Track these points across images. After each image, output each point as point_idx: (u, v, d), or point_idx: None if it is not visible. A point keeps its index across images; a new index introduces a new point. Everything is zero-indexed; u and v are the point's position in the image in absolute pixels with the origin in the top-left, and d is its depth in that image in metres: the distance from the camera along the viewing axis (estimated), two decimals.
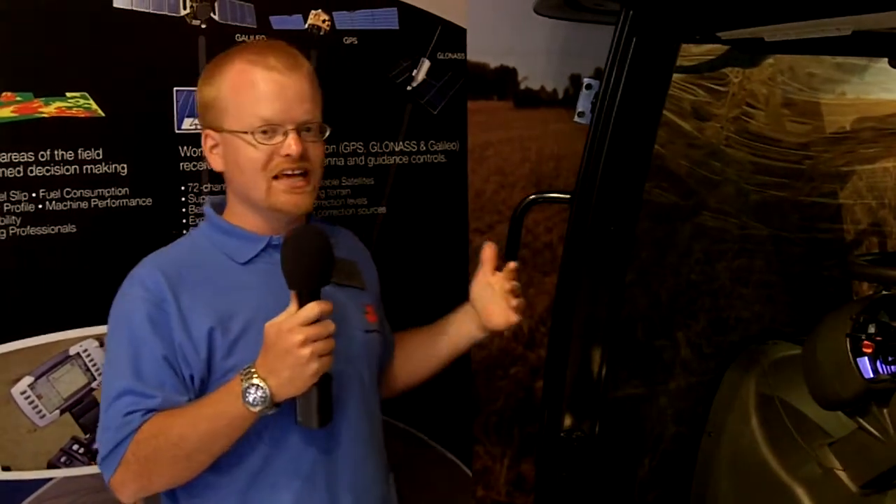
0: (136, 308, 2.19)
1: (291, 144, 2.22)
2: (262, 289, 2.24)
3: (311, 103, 2.29)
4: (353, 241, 2.66)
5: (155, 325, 2.17)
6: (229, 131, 2.26)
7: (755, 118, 3.97)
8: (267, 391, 2.06)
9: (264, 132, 2.22)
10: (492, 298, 2.54)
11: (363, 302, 2.51)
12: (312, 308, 2.05)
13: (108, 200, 2.64)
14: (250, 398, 2.06)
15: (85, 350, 2.66)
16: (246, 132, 2.23)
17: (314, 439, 2.28)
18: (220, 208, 2.42)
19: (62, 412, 2.66)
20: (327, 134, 2.35)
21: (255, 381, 2.06)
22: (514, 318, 2.53)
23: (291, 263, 2.10)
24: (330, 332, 2.09)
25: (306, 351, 2.04)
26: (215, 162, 2.34)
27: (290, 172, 2.25)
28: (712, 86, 3.84)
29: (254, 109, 2.23)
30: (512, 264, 2.55)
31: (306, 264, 2.10)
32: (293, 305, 2.08)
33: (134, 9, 2.63)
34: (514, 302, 2.51)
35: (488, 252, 2.56)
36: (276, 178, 2.25)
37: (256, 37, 2.78)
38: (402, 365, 2.72)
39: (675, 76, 3.73)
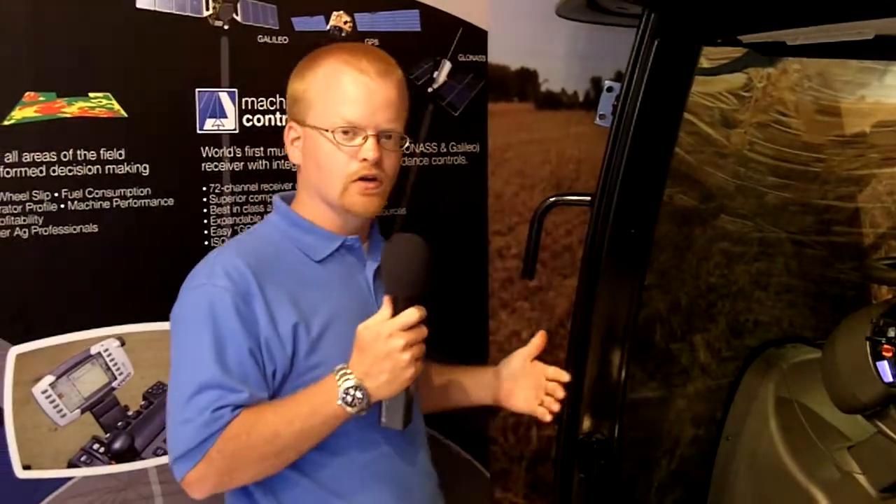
0: (220, 299, 2.17)
1: (369, 150, 2.24)
2: (338, 289, 2.28)
3: (396, 112, 2.31)
4: None
5: (242, 318, 2.16)
6: (312, 126, 2.28)
7: (779, 123, 3.96)
8: (365, 392, 2.10)
9: (345, 133, 2.25)
10: (525, 383, 2.63)
11: None
12: (413, 313, 2.11)
13: (130, 200, 2.65)
14: (349, 398, 2.09)
15: (106, 349, 2.67)
16: (327, 130, 2.24)
17: (389, 439, 2.33)
18: (287, 202, 2.42)
19: (83, 411, 2.66)
20: (406, 145, 2.39)
21: (353, 381, 2.10)
22: (536, 410, 2.62)
23: (397, 269, 2.15)
24: (424, 336, 2.14)
25: (406, 355, 2.10)
26: (294, 155, 2.36)
27: (364, 176, 2.26)
28: (739, 93, 3.83)
29: (339, 109, 2.25)
30: (563, 375, 2.64)
31: (411, 272, 2.14)
32: (387, 310, 2.12)
33: (157, 10, 2.64)
34: (546, 400, 2.61)
35: (540, 340, 2.65)
36: (352, 180, 2.26)
37: (279, 38, 2.79)
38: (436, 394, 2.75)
39: (707, 88, 3.73)
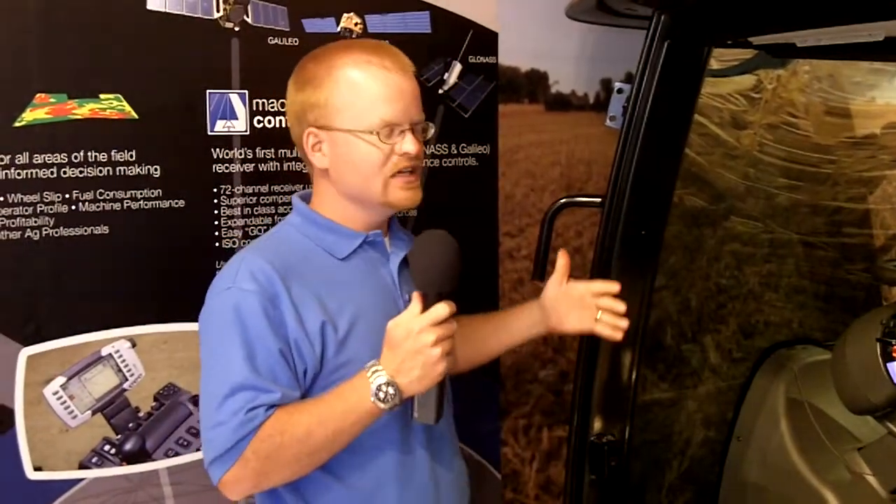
0: (247, 302, 2.16)
1: (409, 144, 2.25)
2: (362, 285, 2.28)
3: (420, 102, 2.33)
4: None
5: (270, 320, 2.15)
6: (344, 130, 2.25)
7: (789, 124, 3.96)
8: (397, 388, 2.10)
9: (385, 131, 2.24)
10: (569, 304, 2.64)
11: None
12: (443, 308, 2.10)
13: (141, 202, 2.66)
14: (381, 395, 2.09)
15: (117, 351, 2.67)
16: (364, 131, 2.24)
17: (421, 442, 2.34)
18: (307, 202, 2.41)
19: (94, 413, 2.67)
20: (431, 132, 2.39)
21: (385, 378, 2.10)
22: (594, 327, 2.62)
23: (427, 265, 2.14)
24: (454, 331, 2.13)
25: (437, 351, 2.09)
26: (319, 160, 2.32)
27: (405, 169, 2.27)
28: (750, 94, 3.83)
29: (374, 109, 2.23)
30: (614, 287, 2.63)
31: (437, 267, 2.13)
32: (417, 306, 2.11)
33: (167, 11, 2.65)
34: (605, 318, 2.61)
35: (564, 260, 2.65)
36: (391, 175, 2.27)
37: (289, 40, 2.79)
38: (472, 352, 2.77)
39: (717, 89, 3.73)
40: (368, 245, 2.35)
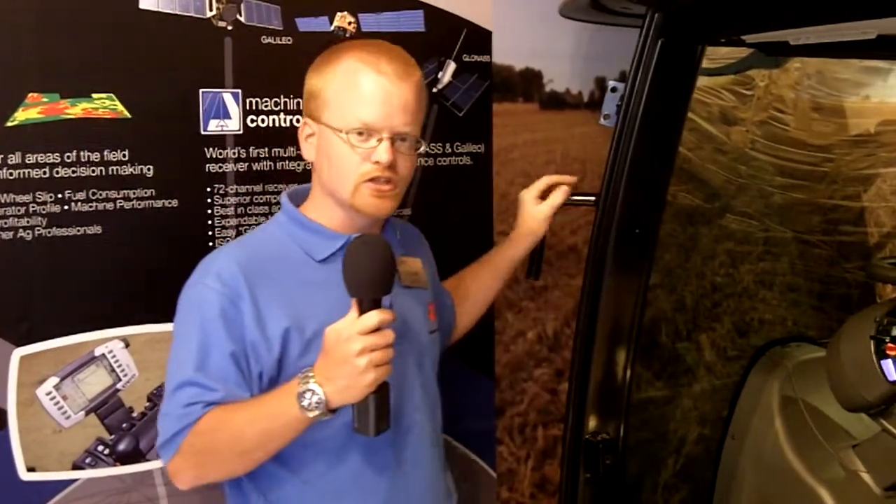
0: (209, 300, 2.16)
1: (383, 153, 2.20)
2: (340, 288, 2.13)
3: (412, 116, 2.26)
4: (416, 235, 2.68)
5: (227, 321, 2.15)
6: (327, 125, 2.24)
7: (780, 121, 3.96)
8: (322, 397, 2.02)
9: (360, 134, 2.20)
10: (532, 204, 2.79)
11: (427, 301, 2.52)
12: (371, 317, 2.02)
13: (134, 202, 2.65)
14: (305, 402, 2.02)
15: (110, 351, 2.67)
16: (342, 130, 2.21)
17: (383, 444, 2.28)
18: (297, 198, 2.40)
19: (87, 413, 2.66)
20: (421, 149, 2.33)
21: (312, 385, 2.03)
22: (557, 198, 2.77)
23: (352, 271, 2.07)
24: (389, 342, 2.05)
25: (363, 361, 2.00)
26: (308, 151, 2.32)
27: (378, 178, 2.22)
28: (739, 90, 3.84)
29: (354, 110, 2.20)
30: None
31: (368, 273, 2.06)
32: (354, 312, 2.04)
33: (160, 10, 2.64)
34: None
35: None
36: (364, 180, 2.23)
37: (283, 39, 2.79)
38: (467, 312, 2.81)
39: (704, 82, 3.73)
40: None
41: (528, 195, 2.80)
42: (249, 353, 2.17)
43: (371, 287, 2.07)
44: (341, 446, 2.26)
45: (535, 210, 2.78)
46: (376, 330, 2.03)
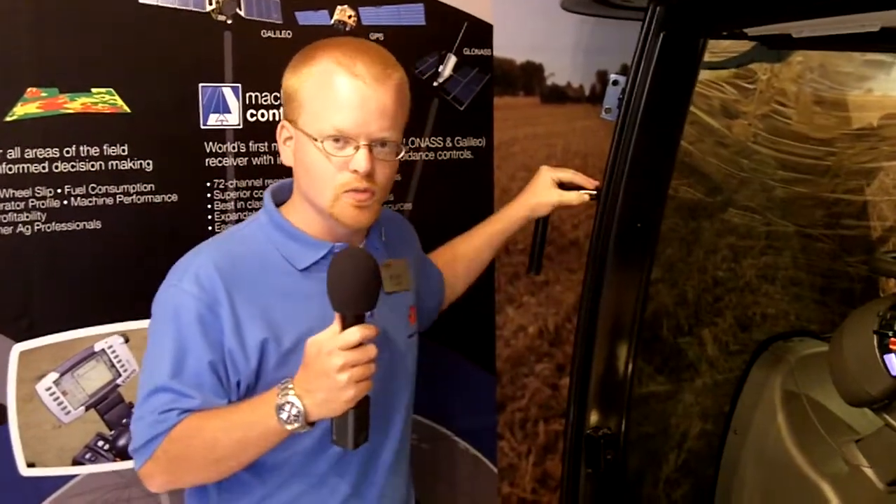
0: (186, 305, 2.12)
1: (361, 161, 2.12)
2: (320, 298, 2.05)
3: (391, 120, 2.16)
4: (401, 227, 2.65)
5: (205, 327, 2.11)
6: (302, 131, 2.17)
7: (783, 115, 3.95)
8: (301, 409, 1.99)
9: (335, 141, 2.13)
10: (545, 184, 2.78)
11: (408, 304, 2.49)
12: (354, 333, 1.97)
13: (134, 196, 2.65)
14: (284, 415, 1.99)
15: (110, 346, 2.66)
16: (316, 138, 2.14)
17: (355, 453, 2.23)
18: (281, 195, 2.34)
19: (87, 409, 2.67)
20: (402, 155, 2.25)
21: (291, 397, 2.00)
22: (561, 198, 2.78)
23: (336, 287, 2.00)
24: (371, 357, 2.00)
25: (344, 377, 1.96)
26: (286, 155, 2.25)
27: (358, 188, 2.15)
28: (741, 83, 3.83)
29: (328, 116, 2.12)
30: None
31: (352, 289, 2.00)
32: (337, 325, 1.99)
33: (160, 4, 2.64)
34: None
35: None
36: (344, 190, 2.15)
37: (283, 33, 2.78)
38: (461, 278, 2.84)
39: (705, 75, 3.72)
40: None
41: (550, 175, 2.79)
42: (227, 361, 2.14)
43: (355, 303, 2.02)
44: (303, 455, 2.26)
45: (547, 192, 2.77)
46: (359, 345, 1.99)
